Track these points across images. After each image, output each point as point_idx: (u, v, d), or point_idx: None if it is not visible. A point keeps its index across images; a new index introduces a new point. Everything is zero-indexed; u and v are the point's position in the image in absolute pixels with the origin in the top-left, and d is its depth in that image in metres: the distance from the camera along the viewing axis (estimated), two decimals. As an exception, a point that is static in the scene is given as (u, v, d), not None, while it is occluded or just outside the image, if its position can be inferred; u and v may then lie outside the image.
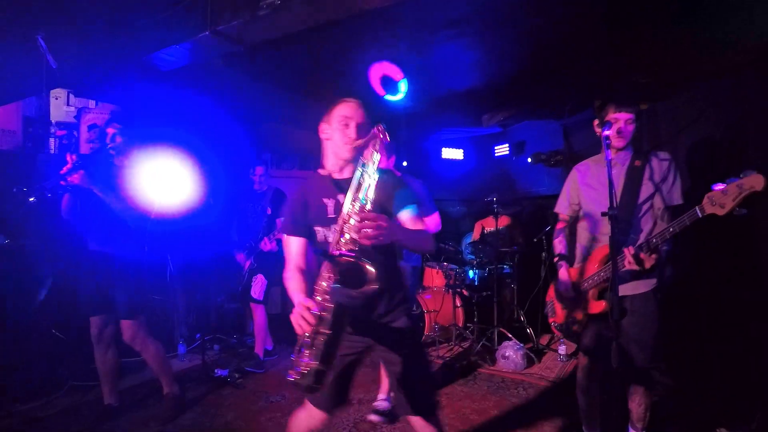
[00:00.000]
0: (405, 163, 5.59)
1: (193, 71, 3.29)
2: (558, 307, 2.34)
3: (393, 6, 2.35)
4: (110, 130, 2.74)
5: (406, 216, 1.66)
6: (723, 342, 3.05)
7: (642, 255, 1.90)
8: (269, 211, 3.71)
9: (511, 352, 3.70)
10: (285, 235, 1.78)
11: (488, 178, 5.81)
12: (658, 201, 2.09)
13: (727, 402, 2.80)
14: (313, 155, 5.66)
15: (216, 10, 2.32)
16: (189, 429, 2.78)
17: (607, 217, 2.09)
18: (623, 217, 2.02)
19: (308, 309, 1.44)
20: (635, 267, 1.91)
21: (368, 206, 1.48)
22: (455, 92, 4.13)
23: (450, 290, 4.34)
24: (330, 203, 1.69)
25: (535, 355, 3.82)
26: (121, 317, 2.74)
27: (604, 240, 2.12)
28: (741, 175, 1.66)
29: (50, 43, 2.94)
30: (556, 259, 2.35)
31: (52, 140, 4.01)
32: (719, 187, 1.70)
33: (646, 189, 2.09)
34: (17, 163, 3.60)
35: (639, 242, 1.98)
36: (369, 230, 1.38)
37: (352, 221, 1.46)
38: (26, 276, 3.15)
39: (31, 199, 2.45)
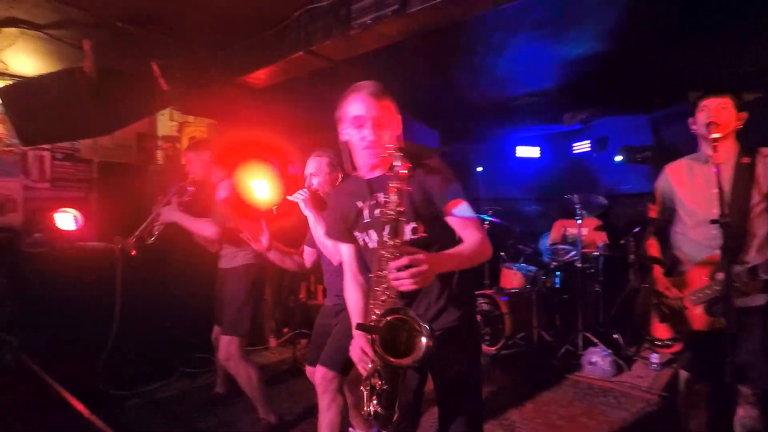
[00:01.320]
0: (480, 168, 5.55)
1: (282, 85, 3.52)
2: (654, 320, 2.22)
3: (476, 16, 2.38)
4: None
5: (453, 217, 1.42)
6: None
7: None
8: None
9: (598, 358, 3.58)
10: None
11: (566, 176, 5.62)
12: None
13: None
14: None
15: (309, 31, 2.49)
16: (284, 417, 2.98)
17: (710, 224, 1.97)
18: (734, 223, 1.88)
19: (364, 352, 1.37)
20: None
21: (401, 236, 1.27)
22: (533, 92, 4.04)
23: (529, 292, 4.27)
24: (365, 206, 1.54)
25: (624, 362, 3.66)
26: (222, 332, 2.80)
27: (709, 249, 1.99)
28: None
29: (162, 68, 3.32)
30: (647, 263, 2.23)
31: (159, 152, 4.49)
32: None
33: (759, 190, 1.92)
34: (133, 174, 4.08)
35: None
36: (404, 278, 1.20)
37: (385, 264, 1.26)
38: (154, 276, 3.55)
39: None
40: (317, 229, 2.08)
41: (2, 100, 3.03)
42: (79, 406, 1.80)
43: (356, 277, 1.64)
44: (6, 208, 3.22)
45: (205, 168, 2.88)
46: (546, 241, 5.06)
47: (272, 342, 4.40)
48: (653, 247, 2.23)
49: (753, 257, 1.90)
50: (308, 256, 2.51)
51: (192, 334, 3.33)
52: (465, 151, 5.98)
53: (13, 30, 2.84)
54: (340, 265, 1.74)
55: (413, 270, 1.20)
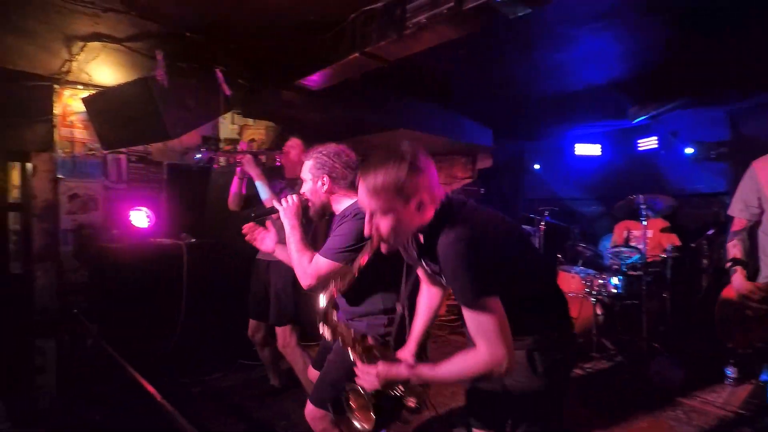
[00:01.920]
0: (537, 166, 5.38)
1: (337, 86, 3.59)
2: (736, 328, 2.05)
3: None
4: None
5: (468, 317, 1.24)
6: None
7: None
8: None
9: (665, 369, 3.35)
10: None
11: (630, 174, 5.32)
12: None
13: None
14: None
15: (365, 33, 2.52)
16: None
17: None
18: None
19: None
20: None
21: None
22: (595, 86, 3.85)
23: (588, 297, 4.07)
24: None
25: (695, 374, 3.40)
26: (271, 323, 2.92)
27: None
28: None
29: (225, 74, 3.49)
30: (728, 265, 2.07)
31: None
32: None
33: None
34: (198, 175, 4.32)
35: None
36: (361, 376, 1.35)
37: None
38: (217, 271, 3.76)
39: (199, 156, 3.11)
40: (291, 242, 1.84)
41: (86, 108, 3.32)
42: (152, 390, 1.94)
43: (428, 287, 1.65)
44: (89, 207, 3.53)
45: (297, 160, 2.89)
46: (607, 244, 4.82)
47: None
48: (736, 248, 2.07)
49: None
50: None
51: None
52: (520, 149, 5.82)
53: (96, 44, 3.11)
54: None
55: (363, 376, 1.34)
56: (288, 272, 2.81)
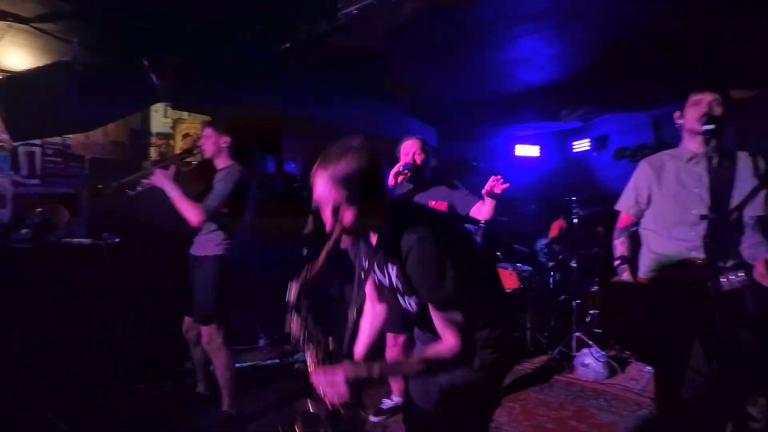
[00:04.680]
0: (474, 163, 5.51)
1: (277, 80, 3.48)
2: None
3: (464, 6, 2.33)
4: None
5: (435, 315, 1.29)
6: None
7: None
8: None
9: (590, 360, 3.51)
10: None
11: (566, 175, 5.56)
12: (749, 208, 1.87)
13: None
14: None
15: (294, 24, 2.44)
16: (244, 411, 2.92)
17: (689, 223, 1.91)
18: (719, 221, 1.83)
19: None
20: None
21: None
22: (532, 87, 3.98)
23: (523, 293, 4.20)
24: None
25: (618, 364, 3.59)
26: (197, 321, 2.79)
27: (682, 247, 1.93)
28: None
29: (154, 62, 3.29)
30: (617, 263, 2.16)
31: (152, 149, 4.46)
32: None
33: (738, 193, 1.88)
34: (126, 171, 4.04)
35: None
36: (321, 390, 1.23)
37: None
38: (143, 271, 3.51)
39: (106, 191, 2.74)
40: None
41: (-9, 94, 3.01)
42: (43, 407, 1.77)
43: (374, 306, 1.65)
44: (-5, 204, 3.21)
45: (218, 151, 2.76)
46: (543, 242, 5.00)
47: (261, 342, 4.36)
48: (623, 246, 2.17)
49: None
50: None
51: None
52: (463, 149, 5.92)
53: (1, 24, 2.82)
54: None
55: (328, 380, 1.23)
56: (211, 268, 2.73)
